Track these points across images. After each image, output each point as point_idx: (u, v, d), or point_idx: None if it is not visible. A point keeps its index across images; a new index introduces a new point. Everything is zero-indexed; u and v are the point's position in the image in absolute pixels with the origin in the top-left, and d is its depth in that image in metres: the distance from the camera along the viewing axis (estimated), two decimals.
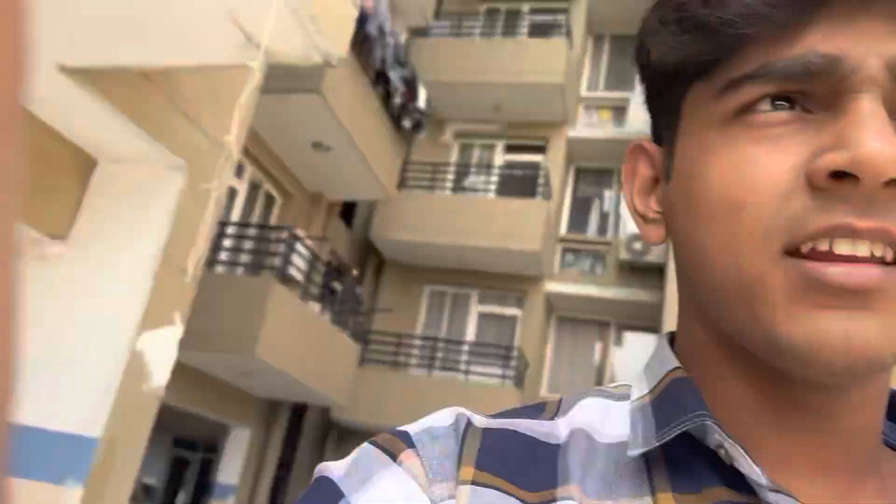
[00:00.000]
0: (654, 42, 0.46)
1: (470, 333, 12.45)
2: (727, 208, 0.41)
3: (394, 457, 0.45)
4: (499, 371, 11.22)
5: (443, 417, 0.49)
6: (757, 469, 0.41)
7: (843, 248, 0.38)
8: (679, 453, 0.44)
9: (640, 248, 11.99)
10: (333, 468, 0.46)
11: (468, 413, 0.49)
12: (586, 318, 12.94)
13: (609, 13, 13.61)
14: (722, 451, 0.42)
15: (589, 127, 13.35)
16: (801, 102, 0.41)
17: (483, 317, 12.64)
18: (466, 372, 11.27)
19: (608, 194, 13.30)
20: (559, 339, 13.02)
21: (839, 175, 0.38)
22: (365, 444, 0.48)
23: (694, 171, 0.44)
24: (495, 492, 0.43)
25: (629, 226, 12.41)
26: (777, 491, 0.40)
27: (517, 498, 0.43)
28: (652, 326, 11.94)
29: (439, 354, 11.75)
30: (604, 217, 13.22)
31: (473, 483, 0.44)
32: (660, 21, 0.45)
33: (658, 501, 0.42)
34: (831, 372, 0.39)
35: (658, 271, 11.83)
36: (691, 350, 0.49)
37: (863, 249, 0.38)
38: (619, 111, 13.26)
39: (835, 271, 0.38)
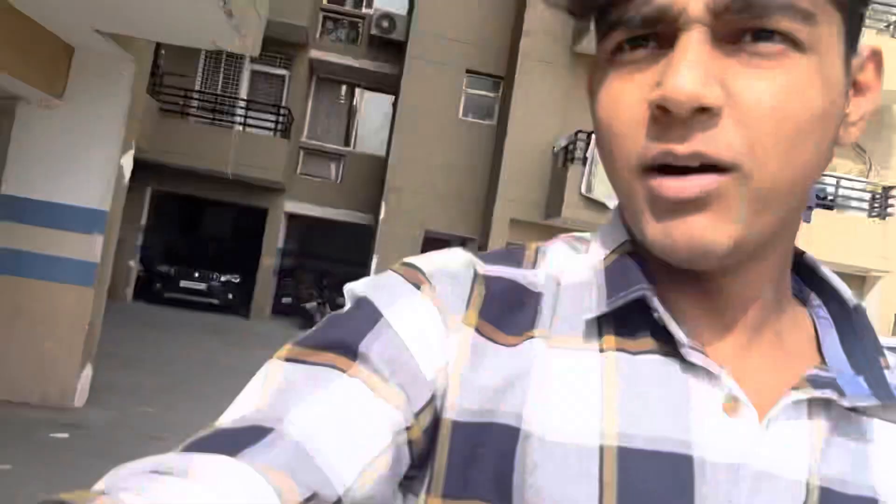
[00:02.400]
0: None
1: (244, 91, 14.70)
2: (605, 135, 0.51)
3: (417, 286, 0.53)
4: (270, 124, 13.86)
5: (455, 259, 0.56)
6: (680, 330, 0.51)
7: (675, 163, 0.46)
8: (624, 312, 0.53)
9: (387, 25, 14.64)
10: (365, 288, 0.55)
11: (475, 259, 0.57)
12: (341, 80, 15.74)
13: None
14: (656, 315, 0.51)
15: None
16: (655, 40, 0.48)
17: (256, 74, 14.85)
18: (243, 125, 13.76)
19: None
20: (318, 97, 15.78)
21: (661, 106, 0.45)
22: (388, 272, 0.55)
23: (594, 101, 0.53)
24: (485, 339, 0.52)
25: (379, 2, 14.90)
26: (693, 348, 0.50)
27: (502, 343, 0.53)
28: (393, 91, 15.09)
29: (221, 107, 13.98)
30: None
31: (476, 328, 0.53)
32: None
33: (604, 341, 0.52)
34: (685, 261, 0.49)
35: (400, 46, 14.67)
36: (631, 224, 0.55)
37: (694, 160, 0.46)
38: None
39: (670, 185, 0.46)
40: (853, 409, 0.51)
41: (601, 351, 0.52)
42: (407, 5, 14.96)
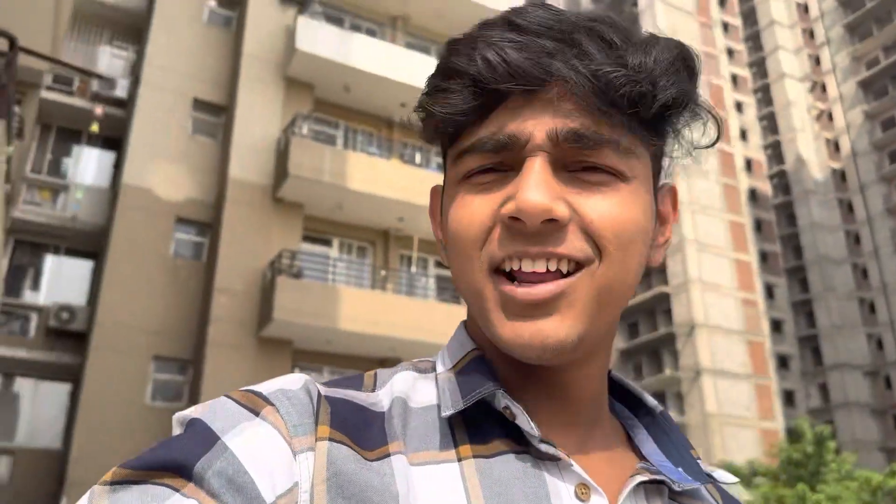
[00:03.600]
0: (422, 125, 0.63)
1: None
2: (459, 241, 0.58)
3: (255, 412, 0.53)
4: None
5: (292, 381, 0.57)
6: (532, 424, 0.55)
7: (526, 266, 0.55)
8: (475, 416, 0.57)
9: (67, 317, 14.63)
10: (197, 412, 0.53)
11: (314, 381, 0.58)
12: (11, 372, 14.93)
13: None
14: (507, 411, 0.56)
15: (30, 205, 15.32)
16: (501, 166, 0.58)
17: None
18: None
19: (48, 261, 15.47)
20: None
21: (515, 217, 0.54)
22: (221, 398, 0.54)
23: (448, 214, 0.61)
24: (346, 448, 0.53)
25: (56, 295, 14.95)
26: (544, 441, 0.55)
27: (361, 456, 0.53)
28: (73, 381, 14.68)
29: None
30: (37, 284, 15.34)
31: (330, 439, 0.53)
32: (418, 110, 0.63)
33: (460, 451, 0.55)
34: (534, 359, 0.55)
35: (81, 336, 14.59)
36: (479, 335, 0.63)
37: (540, 265, 0.55)
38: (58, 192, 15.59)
39: (522, 291, 0.54)
40: (678, 494, 0.61)
41: (459, 460, 0.56)
42: (87, 296, 15.20)
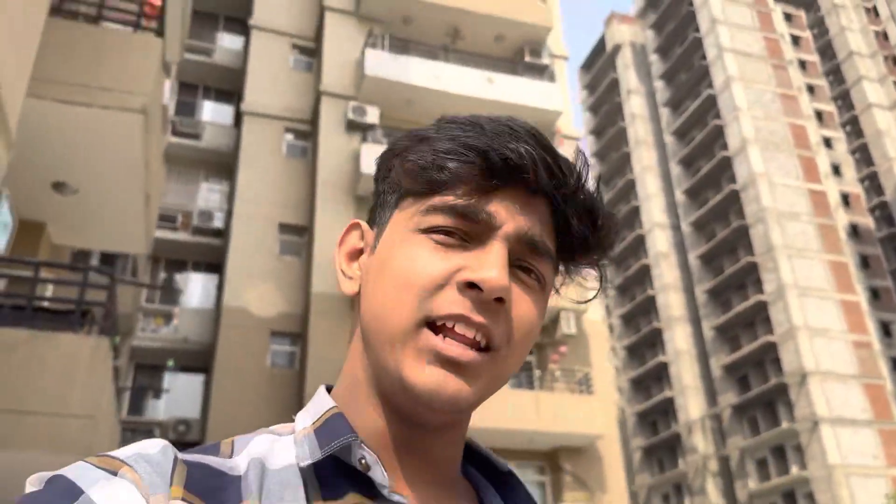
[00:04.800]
0: (396, 167, 0.69)
1: None
2: (403, 283, 0.62)
3: (114, 472, 0.54)
4: None
5: (150, 445, 0.58)
6: (384, 474, 0.59)
7: (461, 329, 0.61)
8: (328, 472, 0.60)
9: (183, 429, 16.48)
10: (56, 471, 0.53)
11: (171, 447, 0.58)
12: None
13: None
14: (362, 462, 0.59)
15: (146, 332, 17.54)
16: (463, 236, 0.64)
17: None
18: None
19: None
20: None
21: (472, 285, 0.61)
22: (79, 462, 0.54)
23: (390, 251, 0.65)
24: None
25: (174, 409, 16.88)
26: (394, 493, 0.59)
27: None
28: None
29: None
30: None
31: (183, 500, 0.54)
32: (401, 158, 0.69)
33: None
34: (436, 406, 0.60)
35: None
36: (348, 392, 0.68)
37: (471, 333, 0.61)
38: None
39: (453, 348, 0.60)
40: None
41: None
42: (200, 408, 17.07)
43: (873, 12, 57.68)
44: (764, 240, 44.60)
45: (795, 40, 56.24)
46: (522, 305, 0.64)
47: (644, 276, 54.88)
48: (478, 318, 0.61)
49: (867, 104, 53.41)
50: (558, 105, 19.10)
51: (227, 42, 20.65)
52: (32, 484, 0.54)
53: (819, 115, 53.71)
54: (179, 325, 17.59)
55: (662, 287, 51.93)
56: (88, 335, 5.23)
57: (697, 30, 53.15)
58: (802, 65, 55.26)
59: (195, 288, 18.72)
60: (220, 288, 17.68)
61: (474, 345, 0.62)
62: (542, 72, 19.90)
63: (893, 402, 42.37)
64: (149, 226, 7.78)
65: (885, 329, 47.10)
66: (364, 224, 0.74)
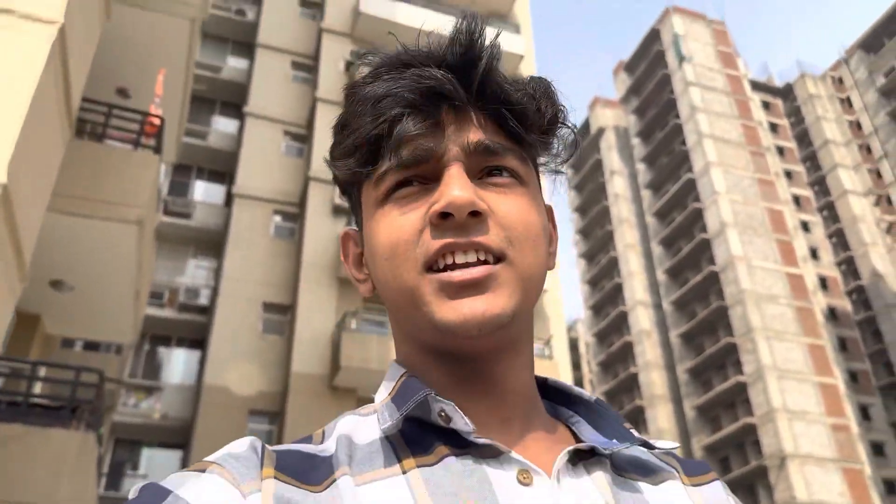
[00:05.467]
0: (335, 170, 0.71)
1: None
2: (389, 250, 0.64)
3: (202, 471, 0.57)
4: None
5: (238, 444, 0.61)
6: (466, 420, 0.60)
7: (458, 258, 0.62)
8: (415, 433, 0.62)
9: None
10: (148, 480, 0.57)
11: (260, 441, 0.61)
12: None
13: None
14: (442, 415, 0.60)
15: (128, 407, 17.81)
16: (421, 180, 0.65)
17: None
18: None
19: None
20: None
21: (444, 215, 0.62)
22: (170, 475, 0.57)
23: (370, 235, 0.67)
24: (292, 485, 0.58)
25: None
26: (479, 437, 0.60)
27: (307, 490, 0.58)
28: None
29: None
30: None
31: (276, 478, 0.57)
32: (332, 157, 0.71)
33: (404, 464, 0.60)
34: (474, 334, 0.60)
35: None
36: (408, 360, 0.69)
37: (471, 256, 0.62)
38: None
39: (455, 274, 0.61)
40: (625, 468, 0.66)
41: (404, 472, 0.60)
42: None
43: (847, 102, 60.04)
44: (743, 321, 45.28)
45: (773, 127, 58.33)
46: (504, 206, 0.65)
47: (627, 353, 55.28)
48: (464, 240, 0.62)
49: (843, 190, 55.10)
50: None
51: (222, 125, 21.62)
52: (131, 494, 0.57)
53: (797, 199, 55.30)
54: (161, 401, 17.91)
55: (645, 365, 52.27)
56: (77, 430, 5.76)
57: (678, 116, 55.02)
58: (780, 151, 57.18)
59: (177, 364, 19.09)
60: (202, 364, 18.07)
61: (481, 264, 0.62)
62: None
63: (872, 487, 42.38)
64: (137, 318, 8.37)
65: (863, 412, 47.43)
66: (352, 230, 0.77)
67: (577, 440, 0.69)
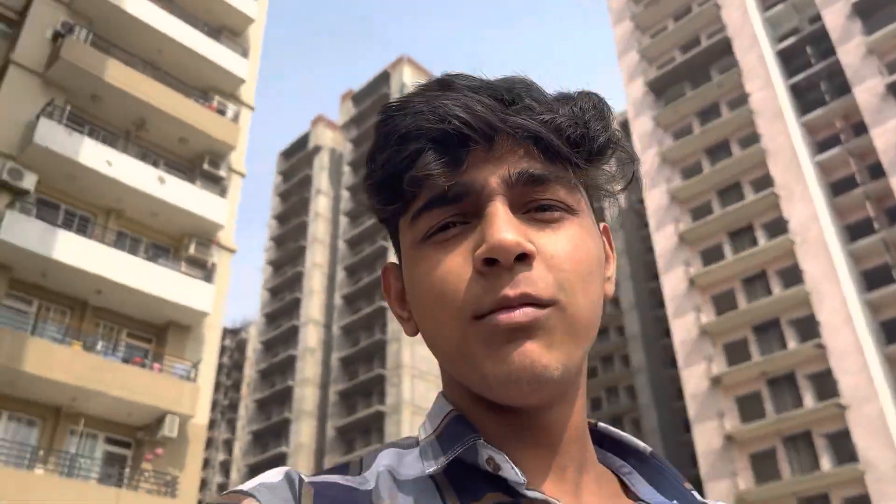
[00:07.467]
0: (374, 207, 0.67)
1: None
2: (432, 298, 0.60)
3: (236, 503, 0.54)
4: None
5: (273, 474, 0.58)
6: (517, 471, 0.56)
7: (507, 314, 0.56)
8: (460, 475, 0.59)
9: None
10: None
11: (296, 471, 0.58)
12: None
13: None
14: (491, 463, 0.57)
15: None
16: (461, 219, 0.60)
17: None
18: None
19: None
20: None
21: (490, 261, 0.57)
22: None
23: (411, 277, 0.63)
24: None
25: None
26: (532, 489, 0.56)
27: None
28: None
29: None
30: None
31: None
32: (365, 190, 0.67)
33: None
34: (525, 388, 0.56)
35: None
36: (455, 398, 0.65)
37: (519, 311, 0.56)
38: None
39: (502, 318, 0.56)
40: None
41: None
42: None
43: None
44: (396, 357, 49.34)
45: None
46: (552, 245, 0.60)
47: (289, 366, 56.75)
48: (515, 292, 0.57)
49: None
50: (222, 219, 20.30)
51: None
52: None
53: None
54: None
55: (303, 380, 54.13)
56: None
57: None
58: None
59: None
60: None
61: (531, 304, 0.58)
62: (217, 182, 21.37)
63: None
64: None
65: None
66: (394, 264, 0.72)
67: (629, 492, 0.68)
